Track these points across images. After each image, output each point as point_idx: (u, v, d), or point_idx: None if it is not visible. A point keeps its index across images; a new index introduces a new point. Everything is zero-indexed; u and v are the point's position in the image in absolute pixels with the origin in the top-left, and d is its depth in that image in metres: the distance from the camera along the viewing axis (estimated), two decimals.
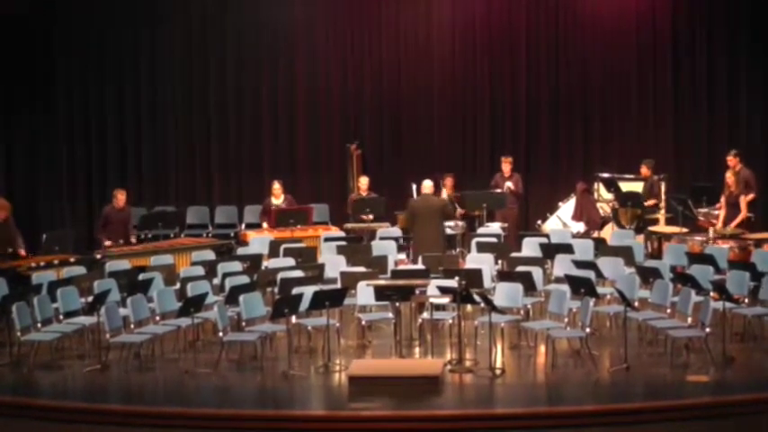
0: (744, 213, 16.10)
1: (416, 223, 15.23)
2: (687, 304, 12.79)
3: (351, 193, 18.72)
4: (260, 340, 12.89)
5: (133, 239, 17.07)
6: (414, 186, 16.54)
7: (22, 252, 15.77)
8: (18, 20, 18.88)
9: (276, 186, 17.92)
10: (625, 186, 17.65)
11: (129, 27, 19.65)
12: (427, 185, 15.41)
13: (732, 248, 15.12)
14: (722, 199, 16.40)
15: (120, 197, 17.09)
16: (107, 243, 16.64)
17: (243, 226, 18.98)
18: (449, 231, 16.24)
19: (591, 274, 13.53)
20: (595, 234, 17.09)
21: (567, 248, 15.17)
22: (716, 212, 16.55)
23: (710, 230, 16.02)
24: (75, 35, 19.63)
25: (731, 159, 16.65)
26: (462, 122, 19.73)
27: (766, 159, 18.62)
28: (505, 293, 13.32)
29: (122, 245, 16.62)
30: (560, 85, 19.51)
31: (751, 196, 16.39)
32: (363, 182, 18.31)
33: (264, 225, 17.67)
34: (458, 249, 16.13)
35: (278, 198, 17.91)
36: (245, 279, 13.96)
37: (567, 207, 18.02)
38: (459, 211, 17.74)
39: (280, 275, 13.92)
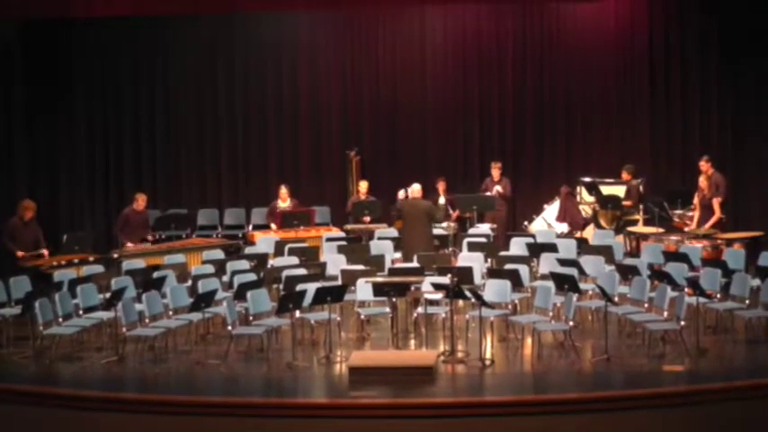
0: (717, 215, 16.06)
1: (404, 224, 15.18)
2: (663, 299, 12.77)
3: (351, 196, 18.67)
4: (266, 333, 12.85)
5: (150, 238, 17.01)
6: (401, 192, 16.41)
7: (45, 252, 15.71)
8: (39, 24, 18.75)
9: (283, 190, 17.90)
10: (606, 190, 17.62)
11: (146, 36, 19.63)
12: (416, 189, 15.36)
13: (705, 247, 15.10)
14: (695, 201, 16.36)
15: (141, 201, 17.05)
16: (129, 244, 16.58)
17: (250, 227, 18.91)
18: (442, 232, 16.20)
19: (574, 272, 13.52)
20: (578, 234, 17.05)
21: (552, 248, 15.13)
22: (690, 214, 16.52)
23: (684, 230, 15.99)
24: (94, 39, 19.51)
25: (704, 164, 16.61)
26: (453, 131, 19.67)
27: (734, 166, 18.57)
28: (494, 289, 13.28)
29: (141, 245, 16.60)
30: (545, 96, 19.46)
31: (719, 199, 16.33)
32: (363, 186, 18.25)
33: (273, 226, 17.61)
34: (450, 248, 16.07)
35: (284, 201, 17.87)
36: (252, 276, 13.91)
37: (552, 209, 17.97)
38: (454, 213, 17.68)
39: (284, 273, 13.88)
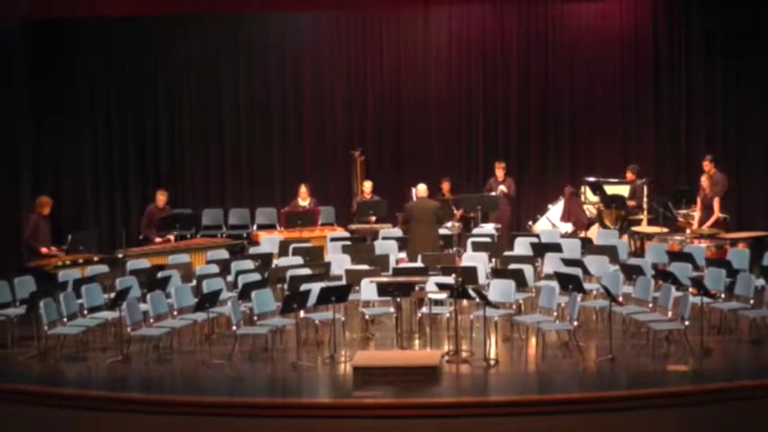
0: (717, 214, 16.08)
1: (413, 225, 15.17)
2: (668, 299, 12.78)
3: (355, 196, 18.70)
4: (270, 333, 12.88)
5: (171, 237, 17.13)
6: (413, 190, 16.47)
7: (46, 250, 15.74)
8: (43, 24, 18.76)
9: (303, 189, 17.97)
10: (610, 190, 17.62)
11: (149, 38, 19.67)
12: (422, 189, 15.35)
13: (709, 247, 15.09)
14: (698, 201, 16.37)
15: (161, 197, 17.12)
16: (157, 239, 16.65)
17: (254, 227, 18.92)
18: (447, 232, 16.22)
19: (578, 272, 13.52)
20: (582, 234, 17.07)
21: (556, 247, 15.13)
22: (693, 214, 16.53)
23: (687, 231, 16.01)
24: (99, 39, 19.54)
25: (706, 164, 16.63)
26: (458, 131, 19.68)
27: (739, 165, 18.56)
28: (499, 289, 13.29)
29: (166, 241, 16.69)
30: (549, 95, 19.46)
31: (718, 198, 16.39)
32: (367, 186, 18.29)
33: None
34: (455, 248, 16.08)
35: (304, 200, 17.95)
36: (256, 276, 13.93)
37: (556, 209, 17.99)
38: (458, 212, 17.69)
39: (289, 273, 13.90)
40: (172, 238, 17.00)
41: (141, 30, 19.43)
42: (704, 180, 16.34)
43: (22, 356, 13.06)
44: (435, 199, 16.35)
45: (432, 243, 14.96)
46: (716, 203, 16.06)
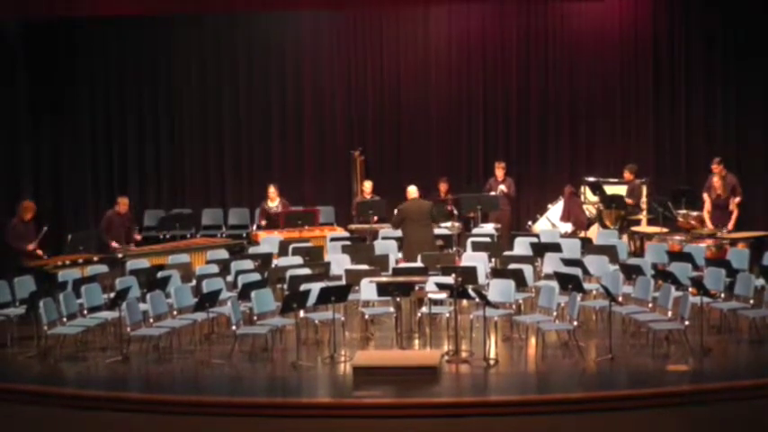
0: (736, 214, 16.17)
1: (409, 225, 15.06)
2: (667, 299, 12.78)
3: (355, 196, 18.69)
4: (270, 333, 12.89)
5: (138, 237, 17.10)
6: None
7: (32, 247, 15.70)
8: (43, 24, 18.74)
9: (272, 190, 17.91)
10: (609, 189, 17.62)
11: (149, 37, 19.66)
12: (413, 190, 15.30)
13: (709, 247, 15.10)
14: (707, 202, 16.38)
15: (122, 204, 17.07)
16: (114, 245, 16.60)
17: (254, 227, 18.92)
18: (447, 232, 16.21)
19: (578, 271, 13.52)
20: (582, 234, 17.06)
21: (556, 247, 15.13)
22: (694, 214, 16.52)
23: (705, 230, 16.01)
24: (98, 39, 19.56)
25: (716, 167, 16.63)
26: (457, 131, 19.66)
27: (739, 165, 18.51)
28: (498, 289, 13.29)
29: (127, 246, 16.58)
30: (549, 95, 19.44)
31: (738, 199, 16.42)
32: (367, 186, 18.28)
33: (262, 223, 17.66)
34: (454, 248, 16.07)
35: (273, 201, 17.88)
36: (256, 276, 13.92)
37: (556, 209, 17.98)
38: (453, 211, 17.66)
39: (289, 273, 13.88)
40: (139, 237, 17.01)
41: (141, 30, 19.43)
42: (716, 181, 16.39)
43: (21, 356, 13.07)
44: (432, 200, 16.30)
45: (429, 243, 14.94)
46: (734, 204, 16.21)
